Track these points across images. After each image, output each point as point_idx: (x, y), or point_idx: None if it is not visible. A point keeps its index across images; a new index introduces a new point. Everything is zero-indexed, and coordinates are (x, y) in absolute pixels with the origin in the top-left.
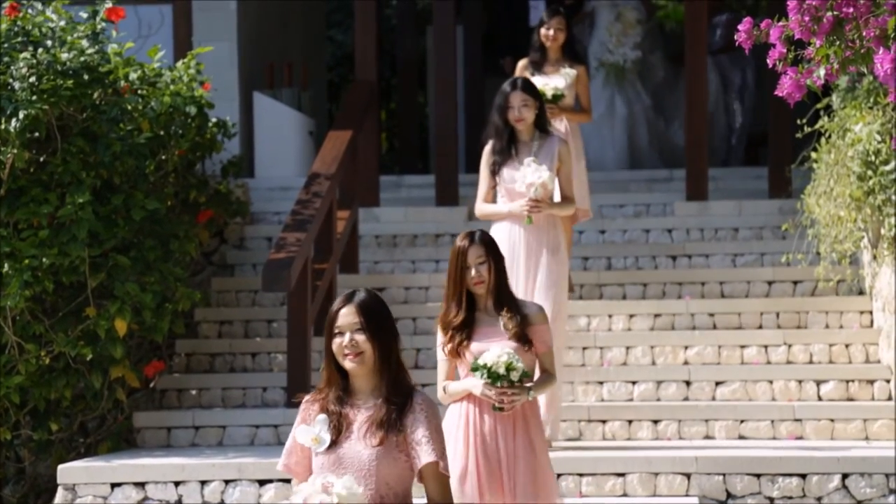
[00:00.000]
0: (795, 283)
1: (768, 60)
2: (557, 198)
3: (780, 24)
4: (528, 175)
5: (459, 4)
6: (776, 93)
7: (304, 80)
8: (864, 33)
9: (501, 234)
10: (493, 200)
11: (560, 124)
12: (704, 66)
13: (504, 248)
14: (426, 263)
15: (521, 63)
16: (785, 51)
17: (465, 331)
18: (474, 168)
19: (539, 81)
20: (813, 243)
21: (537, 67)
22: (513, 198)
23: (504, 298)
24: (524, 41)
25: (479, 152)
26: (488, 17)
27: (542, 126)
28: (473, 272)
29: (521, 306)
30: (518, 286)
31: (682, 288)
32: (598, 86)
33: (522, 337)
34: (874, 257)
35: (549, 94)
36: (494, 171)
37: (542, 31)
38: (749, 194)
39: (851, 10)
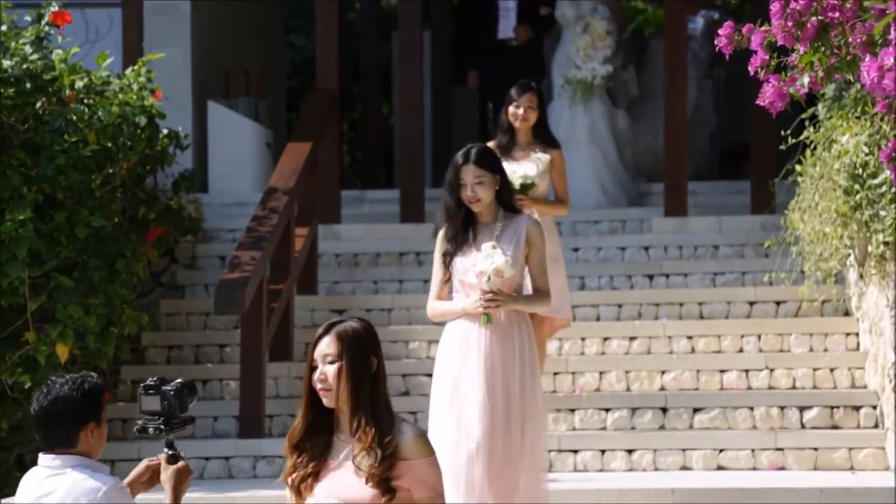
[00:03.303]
0: (778, 303)
1: (750, 68)
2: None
3: (762, 29)
4: (479, 262)
5: (426, 9)
6: (757, 102)
7: (262, 88)
8: (850, 39)
9: (453, 337)
10: (449, 296)
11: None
12: (684, 74)
13: (454, 356)
14: (389, 283)
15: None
16: (767, 58)
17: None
18: (441, 182)
19: (507, 168)
20: (797, 261)
21: (505, 152)
22: (468, 292)
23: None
24: (493, 51)
25: (444, 167)
26: (457, 22)
27: (505, 204)
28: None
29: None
30: (471, 407)
31: (659, 309)
32: (562, 106)
33: (384, 482)
34: (861, 276)
35: (517, 182)
36: (447, 262)
37: (511, 109)
38: (730, 209)
39: (837, 14)
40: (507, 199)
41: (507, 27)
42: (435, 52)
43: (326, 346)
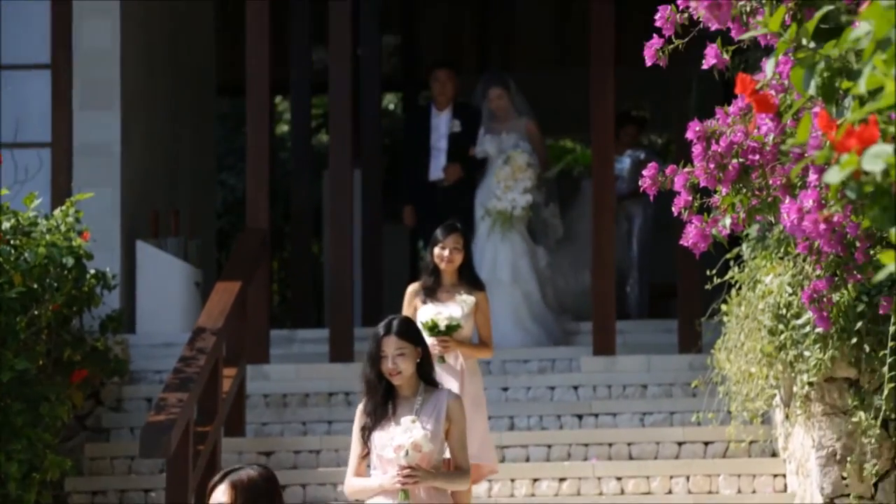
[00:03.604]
0: (706, 443)
1: (673, 209)
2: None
3: (686, 170)
4: (398, 435)
5: (357, 148)
6: (681, 242)
7: (192, 227)
8: (770, 182)
9: None
10: (367, 473)
11: (455, 361)
12: (611, 213)
13: None
14: (318, 425)
15: (411, 289)
16: (690, 199)
17: None
18: (371, 322)
19: (432, 310)
20: (724, 401)
21: (430, 294)
22: (386, 468)
23: None
24: (424, 191)
25: (375, 306)
26: (388, 161)
27: (426, 377)
28: None
29: None
30: None
31: (588, 449)
32: (483, 238)
33: None
34: (786, 416)
35: (442, 325)
36: (365, 437)
37: (436, 250)
38: (658, 349)
39: (757, 157)
40: (429, 372)
41: (437, 168)
42: (365, 191)
43: (221, 494)
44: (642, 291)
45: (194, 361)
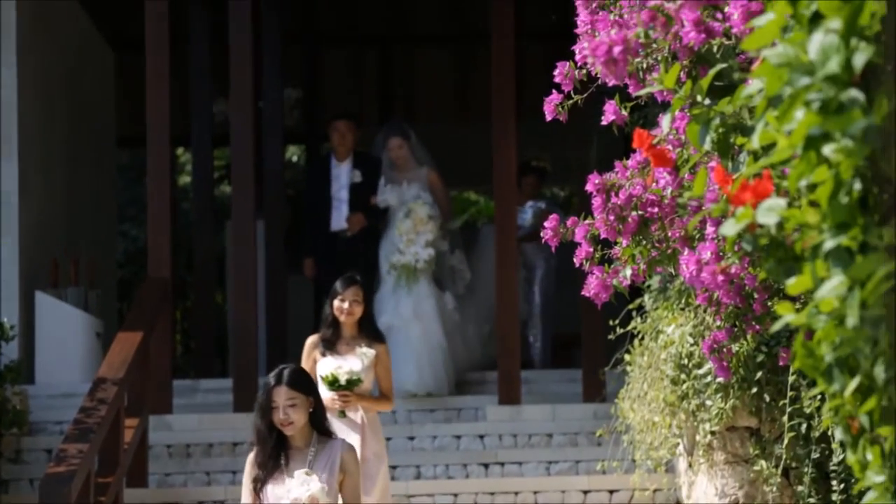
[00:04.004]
0: (611, 492)
1: (575, 260)
2: None
3: (586, 222)
4: (294, 488)
5: (260, 198)
6: (583, 293)
7: (92, 277)
8: (669, 234)
9: None
10: None
11: (356, 415)
12: (514, 264)
13: None
14: (222, 475)
15: (310, 341)
16: (591, 250)
17: None
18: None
19: (332, 363)
20: (629, 450)
21: (329, 346)
22: None
23: None
24: (327, 242)
25: (279, 356)
26: (292, 211)
27: (319, 427)
28: None
29: None
30: None
31: (494, 497)
32: (387, 291)
33: None
34: (690, 465)
35: (343, 379)
36: (257, 489)
37: (336, 303)
38: (563, 398)
39: (656, 210)
40: (321, 422)
41: (339, 218)
42: (268, 242)
43: None
44: (545, 341)
45: (95, 412)
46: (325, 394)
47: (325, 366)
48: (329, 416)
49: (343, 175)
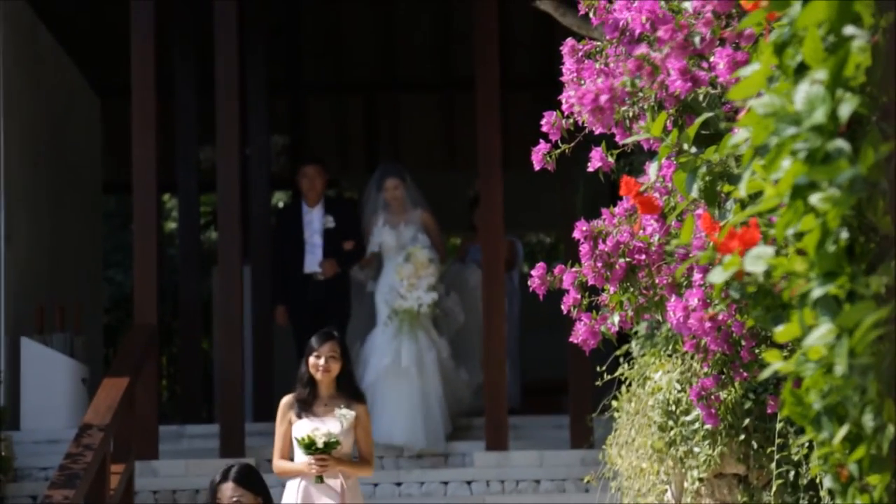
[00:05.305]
0: None
1: (563, 307)
2: None
3: (574, 269)
4: None
5: (246, 244)
6: (571, 339)
7: (78, 323)
8: (657, 281)
9: None
10: None
11: (335, 481)
12: (502, 308)
13: None
14: None
15: (285, 402)
16: (579, 297)
17: None
18: (261, 417)
19: (308, 426)
20: (616, 496)
21: (305, 408)
22: None
23: None
24: (300, 286)
25: (266, 402)
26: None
27: None
28: None
29: None
30: None
31: None
32: (388, 335)
33: None
34: None
35: (320, 442)
36: None
37: (311, 360)
38: (551, 444)
39: (643, 257)
40: None
41: (312, 262)
42: (255, 287)
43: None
44: (516, 383)
45: (81, 458)
46: (301, 458)
47: (300, 428)
48: (305, 481)
49: (315, 221)
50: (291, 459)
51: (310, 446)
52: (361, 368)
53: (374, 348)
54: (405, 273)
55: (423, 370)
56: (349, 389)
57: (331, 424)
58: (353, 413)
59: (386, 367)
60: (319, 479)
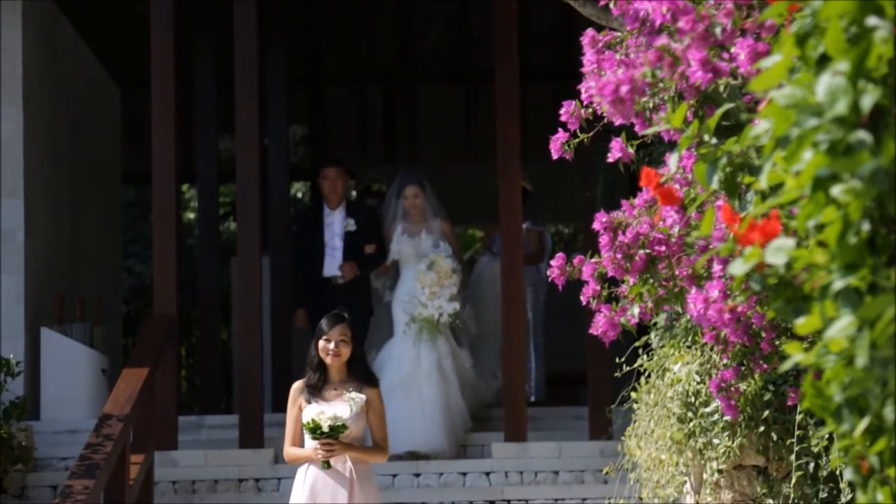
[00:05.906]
0: None
1: (582, 298)
2: None
3: (593, 260)
4: None
5: (265, 234)
6: (590, 331)
7: (98, 314)
8: (676, 272)
9: None
10: None
11: (343, 466)
12: (521, 302)
13: None
14: None
15: (295, 387)
16: (598, 288)
17: None
18: (280, 407)
19: (314, 409)
20: (635, 487)
21: (315, 392)
22: None
23: None
24: (319, 289)
25: (284, 392)
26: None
27: None
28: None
29: None
30: None
31: None
32: (406, 343)
33: None
34: (697, 503)
35: (325, 425)
36: None
37: (321, 343)
38: (569, 435)
39: (663, 248)
40: None
41: (332, 266)
42: (274, 278)
43: None
44: (540, 373)
45: (101, 448)
46: (309, 443)
47: (309, 413)
48: (312, 467)
49: (336, 223)
50: (303, 446)
51: (315, 430)
52: None
53: (391, 357)
54: (428, 281)
55: (443, 375)
56: (361, 373)
57: (339, 408)
58: (362, 396)
59: (404, 376)
60: (326, 464)
